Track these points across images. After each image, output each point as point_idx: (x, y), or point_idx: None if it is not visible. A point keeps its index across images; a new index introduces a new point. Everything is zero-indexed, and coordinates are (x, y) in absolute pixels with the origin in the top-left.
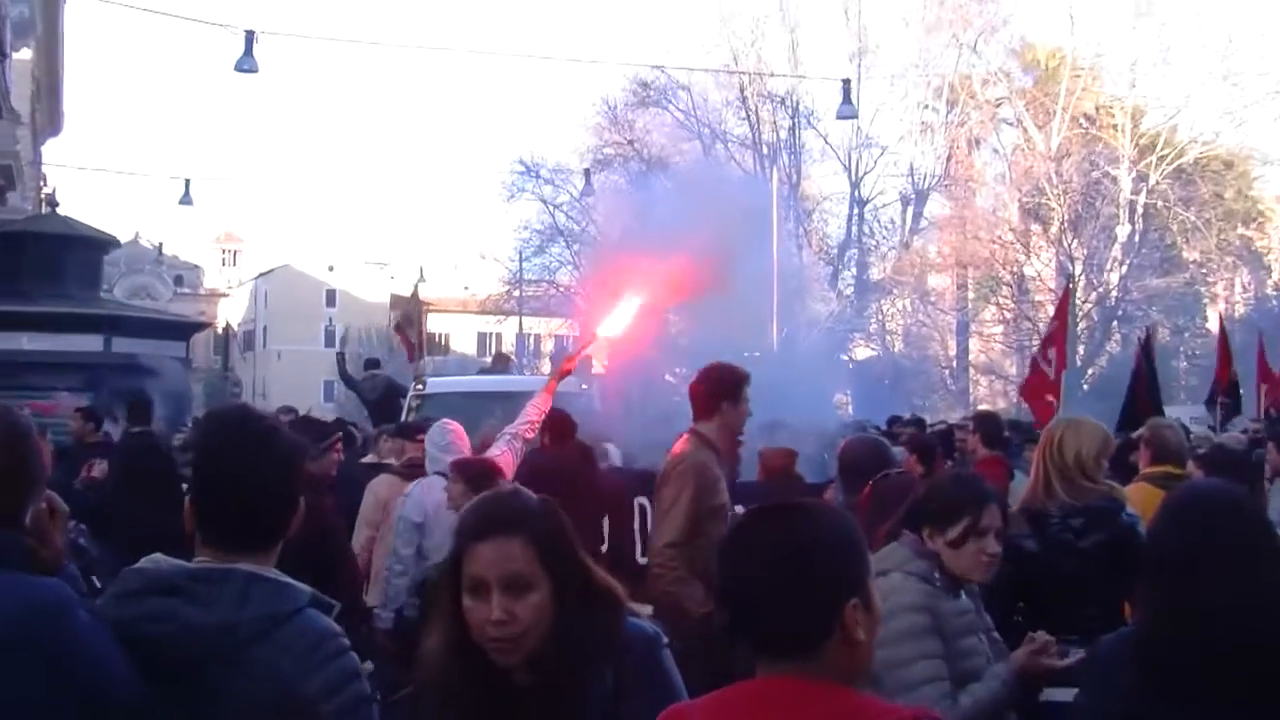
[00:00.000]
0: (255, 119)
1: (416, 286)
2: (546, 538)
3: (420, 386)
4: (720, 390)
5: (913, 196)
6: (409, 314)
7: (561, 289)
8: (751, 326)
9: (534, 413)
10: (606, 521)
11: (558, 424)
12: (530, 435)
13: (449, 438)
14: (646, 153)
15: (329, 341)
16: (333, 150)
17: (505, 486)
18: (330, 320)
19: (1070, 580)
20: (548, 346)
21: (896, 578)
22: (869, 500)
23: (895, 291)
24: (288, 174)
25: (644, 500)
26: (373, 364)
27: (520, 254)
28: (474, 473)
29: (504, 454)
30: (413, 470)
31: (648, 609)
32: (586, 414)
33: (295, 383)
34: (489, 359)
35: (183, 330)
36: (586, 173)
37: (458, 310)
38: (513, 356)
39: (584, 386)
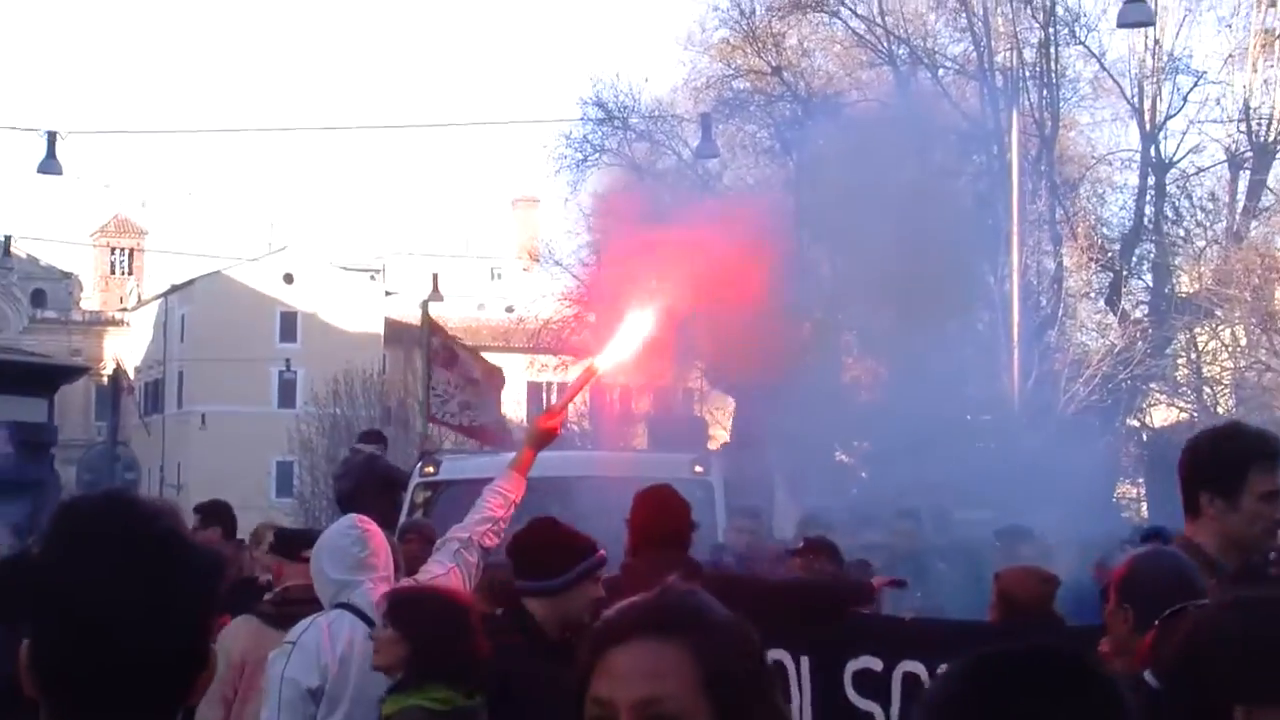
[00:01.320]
0: (164, 42)
1: (426, 308)
2: (724, 655)
3: (431, 470)
4: (1205, 470)
5: (1249, 155)
6: (437, 351)
7: None
8: (978, 371)
9: (496, 504)
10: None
11: (661, 516)
12: (492, 542)
13: (365, 547)
14: (803, 85)
15: (285, 398)
16: (288, 92)
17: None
18: (288, 364)
19: None
20: (643, 404)
21: None
22: (1154, 650)
23: (1220, 313)
24: (214, 128)
25: (786, 657)
26: (373, 437)
27: (597, 255)
28: (423, 616)
29: (448, 573)
30: (288, 608)
31: None
32: (697, 515)
33: (230, 464)
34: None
35: (44, 379)
36: (704, 120)
37: (497, 347)
38: (576, 422)
39: (698, 469)
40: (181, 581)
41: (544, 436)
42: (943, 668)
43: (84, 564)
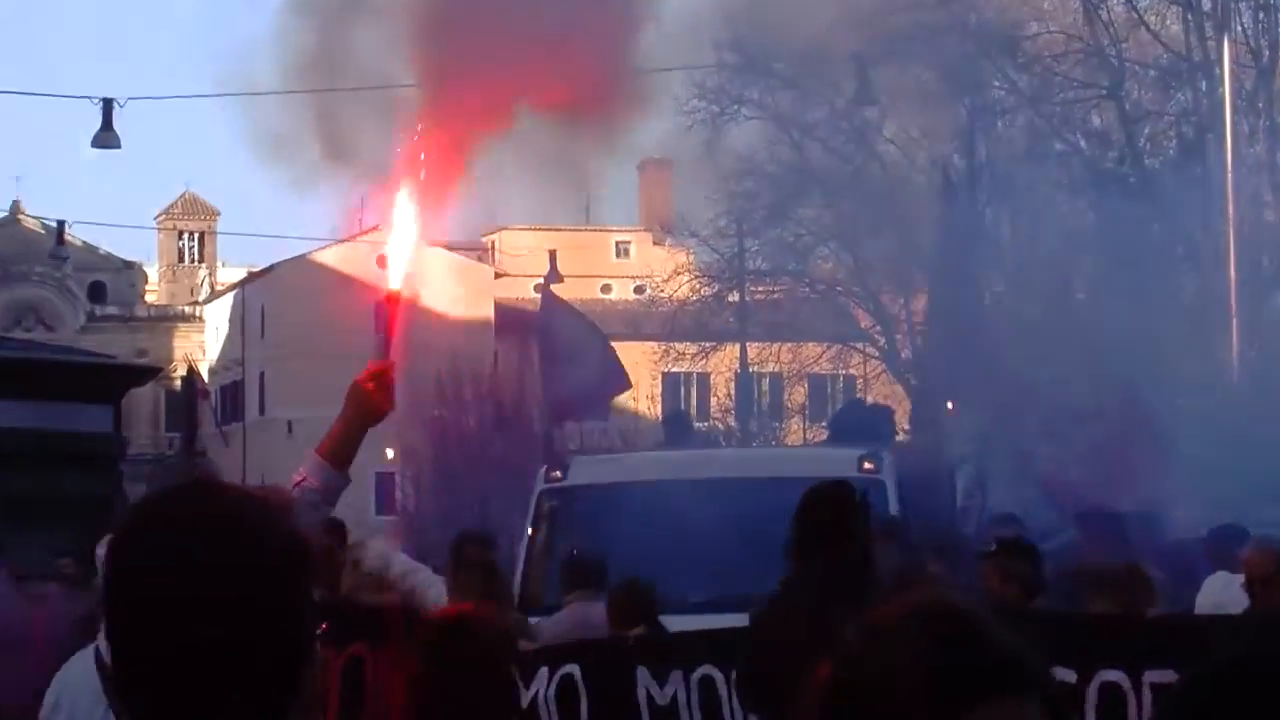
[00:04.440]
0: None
1: (546, 286)
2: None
3: (558, 475)
4: None
5: None
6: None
7: (822, 287)
8: (1189, 346)
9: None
10: None
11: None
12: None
13: None
14: (974, 18)
15: None
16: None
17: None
18: None
19: None
20: (799, 396)
21: None
22: None
23: None
24: (292, 88)
25: None
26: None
27: (739, 225)
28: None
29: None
30: None
31: None
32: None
33: None
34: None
35: (107, 384)
36: (859, 61)
37: (625, 335)
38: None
39: (867, 466)
40: (270, 561)
41: (371, 404)
42: (1159, 674)
43: (156, 547)
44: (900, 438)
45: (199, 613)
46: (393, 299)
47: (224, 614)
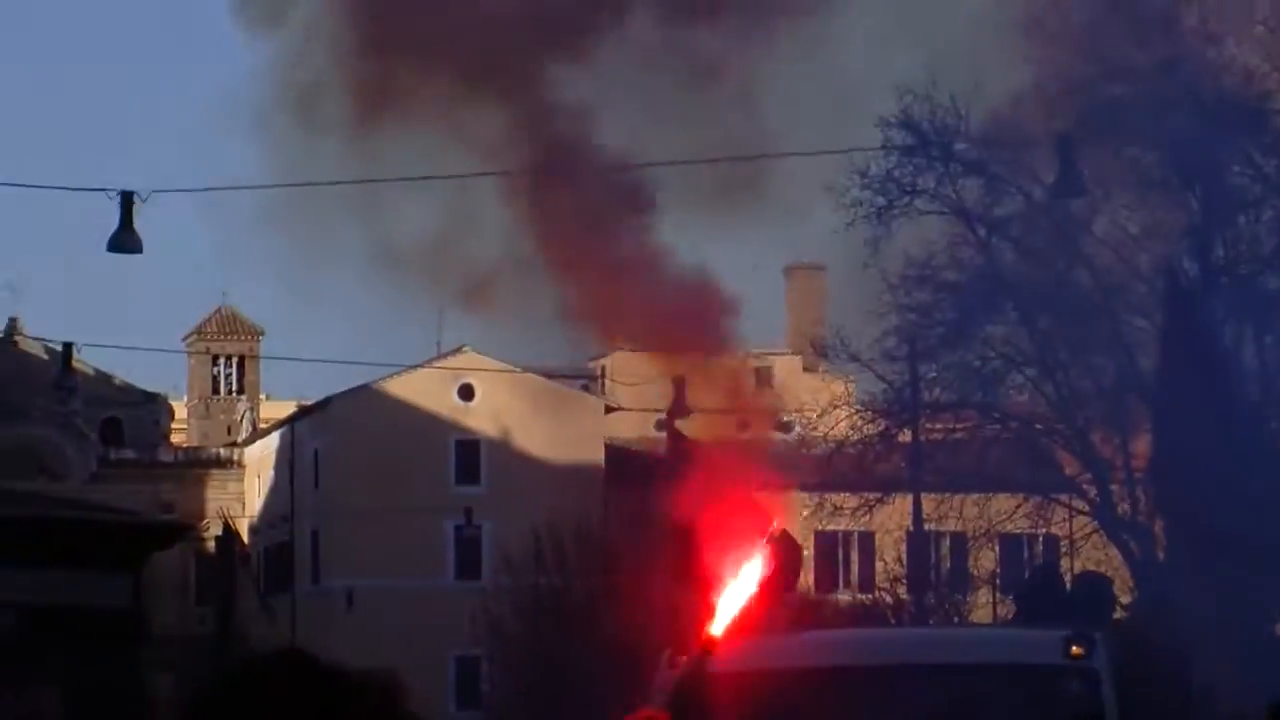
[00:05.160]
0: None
1: (671, 423)
2: None
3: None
4: None
5: None
6: None
7: (1016, 424)
8: None
9: None
10: None
11: None
12: None
13: None
14: (1209, 86)
15: (466, 564)
16: None
17: None
18: (469, 515)
19: None
20: (988, 562)
21: None
22: None
23: None
24: (349, 178)
25: None
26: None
27: (910, 347)
28: None
29: None
30: None
31: None
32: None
33: (390, 661)
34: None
35: (124, 547)
36: (1063, 142)
37: (768, 484)
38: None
39: (1075, 651)
40: None
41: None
42: None
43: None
44: (1117, 614)
45: None
46: (711, 645)
47: None
